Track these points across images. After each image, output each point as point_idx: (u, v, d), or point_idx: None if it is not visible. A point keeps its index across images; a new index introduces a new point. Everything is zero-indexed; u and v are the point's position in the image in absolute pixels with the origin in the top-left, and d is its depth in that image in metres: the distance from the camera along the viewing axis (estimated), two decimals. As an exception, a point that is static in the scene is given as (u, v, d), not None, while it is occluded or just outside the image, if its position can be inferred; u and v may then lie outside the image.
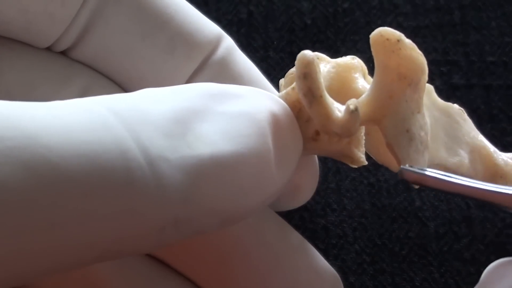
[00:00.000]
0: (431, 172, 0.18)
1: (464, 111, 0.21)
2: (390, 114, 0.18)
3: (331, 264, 0.26)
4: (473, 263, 0.26)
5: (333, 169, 0.27)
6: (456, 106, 0.21)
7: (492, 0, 0.30)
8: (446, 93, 0.29)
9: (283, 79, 0.21)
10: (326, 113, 0.17)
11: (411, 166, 0.18)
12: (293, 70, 0.20)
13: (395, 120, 0.18)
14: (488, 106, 0.28)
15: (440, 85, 0.29)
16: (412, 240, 0.26)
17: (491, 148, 0.21)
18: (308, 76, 0.17)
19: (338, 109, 0.18)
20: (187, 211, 0.15)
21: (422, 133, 0.18)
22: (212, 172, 0.15)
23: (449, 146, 0.20)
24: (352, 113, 0.17)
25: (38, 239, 0.13)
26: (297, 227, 0.26)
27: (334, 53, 0.29)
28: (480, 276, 0.26)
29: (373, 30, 0.30)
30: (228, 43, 0.22)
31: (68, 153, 0.13)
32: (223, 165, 0.15)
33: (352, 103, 0.17)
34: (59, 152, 0.13)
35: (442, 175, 0.18)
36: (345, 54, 0.29)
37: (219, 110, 0.16)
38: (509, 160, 0.21)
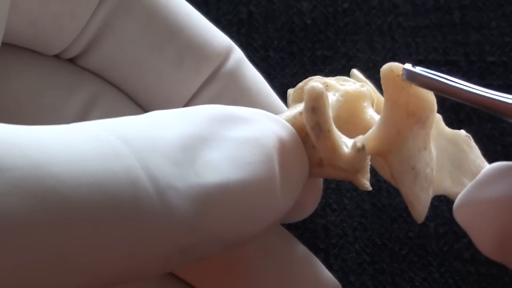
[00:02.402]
0: (435, 75, 0.17)
1: (470, 138, 0.21)
2: (396, 150, 0.18)
3: (332, 263, 0.26)
4: (473, 263, 0.26)
5: (333, 169, 0.27)
6: (463, 132, 0.21)
7: (492, 0, 0.30)
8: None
9: (292, 89, 0.21)
10: (332, 147, 0.17)
11: (414, 66, 0.18)
12: (302, 84, 0.20)
13: (401, 157, 0.18)
14: (488, 106, 0.28)
15: (440, 85, 0.29)
16: (412, 240, 0.26)
17: None
18: (317, 110, 0.17)
19: (346, 144, 0.18)
20: (193, 239, 0.15)
21: (428, 170, 0.18)
22: (219, 201, 0.15)
23: (454, 176, 0.20)
24: (359, 151, 0.17)
25: (46, 268, 0.13)
26: (297, 227, 0.26)
27: (334, 53, 0.29)
28: (480, 276, 0.26)
29: (373, 30, 0.30)
30: (237, 55, 0.22)
31: (77, 183, 0.13)
32: (230, 193, 0.15)
33: (359, 140, 0.17)
34: (68, 183, 0.13)
35: (446, 79, 0.17)
36: (345, 54, 0.29)
37: (227, 136, 0.16)
38: None
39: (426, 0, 0.30)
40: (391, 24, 0.30)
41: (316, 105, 0.17)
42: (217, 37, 0.21)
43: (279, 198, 0.17)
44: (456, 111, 0.28)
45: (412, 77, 0.17)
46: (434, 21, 0.30)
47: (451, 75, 0.29)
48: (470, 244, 0.26)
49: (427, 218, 0.27)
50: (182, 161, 0.15)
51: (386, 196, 0.27)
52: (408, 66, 0.18)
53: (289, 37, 0.30)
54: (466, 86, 0.17)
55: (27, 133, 0.14)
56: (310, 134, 0.17)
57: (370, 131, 0.18)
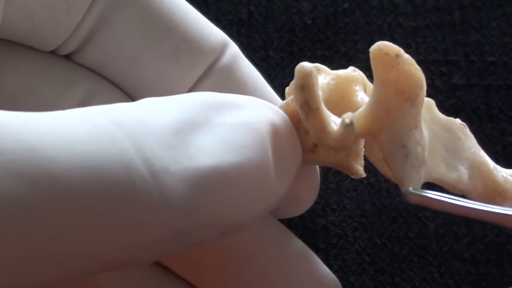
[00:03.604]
0: (435, 194, 0.18)
1: (466, 126, 0.21)
2: (386, 128, 0.18)
3: (332, 263, 0.26)
4: (473, 263, 0.26)
5: (333, 169, 0.27)
6: (458, 121, 0.21)
7: (492, 0, 0.30)
8: (446, 93, 0.29)
9: (288, 87, 0.21)
10: (321, 125, 0.17)
11: (415, 189, 0.18)
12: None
13: (391, 135, 0.18)
14: (488, 106, 0.28)
15: (440, 85, 0.29)
16: (412, 240, 0.26)
17: (491, 164, 0.21)
18: (305, 88, 0.17)
19: (334, 122, 0.18)
20: (188, 223, 0.15)
21: (419, 149, 0.18)
22: (213, 184, 0.15)
23: (449, 162, 0.20)
24: (347, 127, 0.17)
25: (40, 252, 0.13)
26: (297, 227, 0.26)
27: (334, 53, 0.29)
28: (480, 276, 0.26)
29: (373, 30, 0.30)
30: (233, 50, 0.22)
31: (71, 165, 0.13)
32: (224, 176, 0.15)
33: (347, 116, 0.17)
34: (62, 165, 0.13)
35: (446, 197, 0.18)
36: (345, 54, 0.29)
37: (220, 121, 0.16)
38: (509, 177, 0.21)
39: (426, 0, 0.30)
40: (391, 24, 0.30)
41: (305, 83, 0.17)
42: (213, 32, 0.21)
43: (273, 182, 0.17)
44: (456, 111, 0.28)
45: (410, 199, 0.18)
46: (434, 21, 0.30)
47: (451, 75, 0.29)
48: (470, 244, 0.26)
49: (427, 218, 0.27)
50: (176, 145, 0.15)
51: (386, 196, 0.27)
52: (407, 189, 0.18)
53: (289, 37, 0.30)
54: (464, 202, 0.18)
55: (21, 118, 0.14)
56: (299, 113, 0.18)
57: (360, 109, 0.19)
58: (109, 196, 0.14)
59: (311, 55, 0.29)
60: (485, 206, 0.18)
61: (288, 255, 0.21)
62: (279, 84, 0.28)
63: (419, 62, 0.18)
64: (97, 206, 0.13)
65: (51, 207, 0.13)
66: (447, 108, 0.28)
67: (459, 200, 0.18)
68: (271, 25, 0.30)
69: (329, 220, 0.27)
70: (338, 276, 0.25)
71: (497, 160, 0.27)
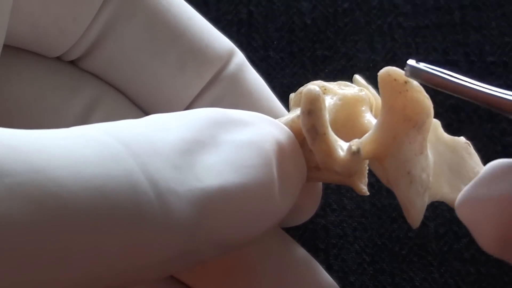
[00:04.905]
0: (438, 71, 0.17)
1: (470, 145, 0.21)
2: (392, 154, 0.18)
3: (332, 263, 0.26)
4: (473, 263, 0.26)
5: (333, 169, 0.27)
6: (462, 139, 0.21)
7: (492, 0, 0.30)
8: (446, 93, 0.29)
9: (293, 93, 0.21)
10: (328, 151, 0.17)
11: (417, 62, 0.18)
12: (303, 88, 0.20)
13: (397, 161, 0.18)
14: (488, 106, 0.28)
15: (440, 85, 0.29)
16: (412, 240, 0.26)
17: None
18: (313, 113, 0.17)
19: (341, 147, 0.18)
20: (193, 243, 0.15)
21: (424, 175, 0.18)
22: (218, 204, 0.15)
23: (452, 182, 0.20)
24: (354, 155, 0.17)
25: (45, 273, 0.13)
26: (297, 227, 0.26)
27: (334, 53, 0.29)
28: (480, 276, 0.26)
29: (373, 30, 0.30)
30: (239, 59, 0.22)
31: (77, 187, 0.13)
32: (230, 197, 0.15)
33: (354, 144, 0.17)
34: (68, 187, 0.13)
35: (449, 75, 0.17)
36: (345, 54, 0.29)
37: (226, 139, 0.16)
38: None
39: (426, 0, 0.30)
40: (391, 24, 0.30)
41: (312, 107, 0.17)
42: (219, 41, 0.21)
43: (278, 201, 0.17)
44: (456, 111, 0.28)
45: (415, 73, 0.17)
46: (434, 21, 0.30)
47: (451, 75, 0.29)
48: (470, 244, 0.26)
49: (427, 218, 0.27)
50: (181, 165, 0.15)
51: (386, 196, 0.27)
52: (412, 62, 0.18)
53: (289, 37, 0.30)
54: (469, 83, 0.17)
55: (27, 138, 0.14)
56: (306, 137, 0.17)
57: (367, 135, 0.18)
58: (114, 217, 0.14)
59: (311, 55, 0.29)
60: (485, 88, 0.17)
61: (291, 262, 0.21)
62: (279, 84, 0.28)
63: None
64: (102, 227, 0.13)
65: (57, 229, 0.13)
66: (447, 108, 0.28)
67: (462, 80, 0.17)
68: (271, 25, 0.30)
69: (329, 220, 0.27)
70: (338, 276, 0.25)
71: (497, 160, 0.27)
